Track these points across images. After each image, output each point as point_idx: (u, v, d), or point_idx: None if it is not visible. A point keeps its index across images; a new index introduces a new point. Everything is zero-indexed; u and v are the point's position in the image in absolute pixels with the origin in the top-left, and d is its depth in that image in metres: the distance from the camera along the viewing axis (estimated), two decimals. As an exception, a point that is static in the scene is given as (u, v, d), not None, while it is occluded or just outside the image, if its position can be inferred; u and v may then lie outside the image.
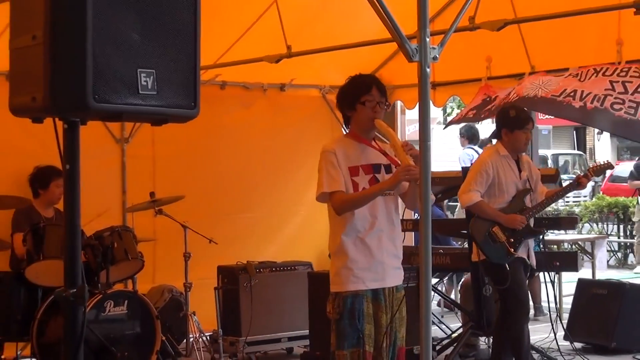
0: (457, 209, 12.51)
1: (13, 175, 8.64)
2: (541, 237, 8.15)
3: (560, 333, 8.70)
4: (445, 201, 11.01)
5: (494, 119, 7.94)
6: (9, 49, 3.13)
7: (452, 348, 8.58)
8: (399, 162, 5.13)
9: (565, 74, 8.77)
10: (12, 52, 3.12)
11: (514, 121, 7.37)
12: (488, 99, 9.57)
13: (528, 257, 7.49)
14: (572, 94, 8.41)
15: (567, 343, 8.73)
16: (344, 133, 5.54)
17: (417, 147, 4.47)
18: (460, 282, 10.51)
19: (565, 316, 9.24)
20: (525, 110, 7.65)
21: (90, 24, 2.94)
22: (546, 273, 8.48)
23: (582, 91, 8.39)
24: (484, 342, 8.95)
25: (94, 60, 2.94)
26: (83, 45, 2.93)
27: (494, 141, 8.68)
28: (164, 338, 8.14)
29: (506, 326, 7.51)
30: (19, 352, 8.33)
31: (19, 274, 8.03)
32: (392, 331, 5.25)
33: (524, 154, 7.64)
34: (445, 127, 9.71)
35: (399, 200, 5.48)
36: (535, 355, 8.27)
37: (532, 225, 7.50)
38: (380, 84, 5.39)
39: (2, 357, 8.11)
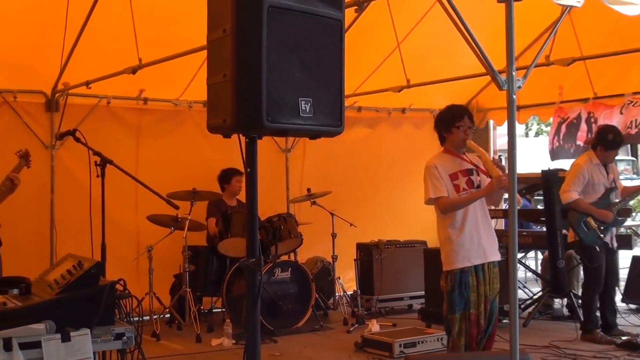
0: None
1: (206, 176, 8.85)
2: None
3: (618, 297, 8.40)
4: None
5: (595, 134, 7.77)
6: (207, 84, 3.19)
7: (533, 307, 8.43)
8: (489, 173, 5.00)
9: (625, 101, 8.98)
10: (209, 86, 3.18)
11: (610, 143, 7.25)
12: (572, 122, 9.56)
13: (611, 241, 7.36)
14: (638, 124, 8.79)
15: (624, 304, 8.48)
16: (442, 149, 5.36)
17: (505, 155, 4.37)
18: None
19: (622, 284, 8.92)
20: (620, 134, 7.48)
21: (265, 66, 2.96)
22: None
23: None
24: (558, 303, 8.74)
25: (267, 92, 2.97)
26: (259, 82, 2.96)
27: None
28: (317, 296, 8.20)
29: (584, 293, 7.49)
30: (212, 304, 8.56)
31: (213, 248, 8.23)
32: (489, 298, 5.11)
33: None
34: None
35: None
36: (598, 313, 8.03)
37: (616, 215, 7.31)
38: (470, 113, 5.30)
39: (201, 307, 8.32)
